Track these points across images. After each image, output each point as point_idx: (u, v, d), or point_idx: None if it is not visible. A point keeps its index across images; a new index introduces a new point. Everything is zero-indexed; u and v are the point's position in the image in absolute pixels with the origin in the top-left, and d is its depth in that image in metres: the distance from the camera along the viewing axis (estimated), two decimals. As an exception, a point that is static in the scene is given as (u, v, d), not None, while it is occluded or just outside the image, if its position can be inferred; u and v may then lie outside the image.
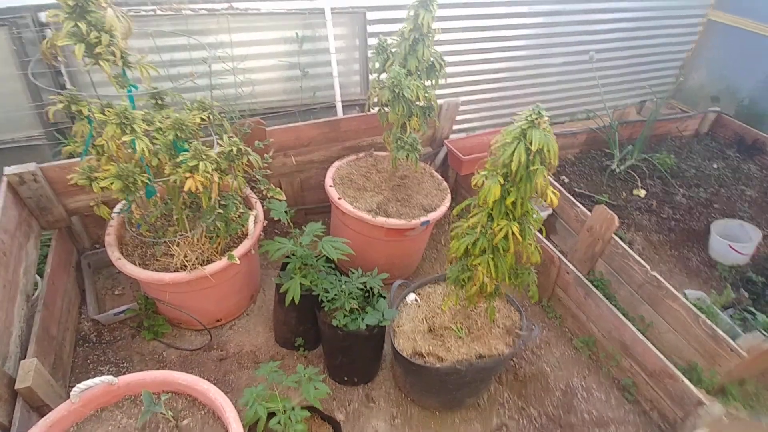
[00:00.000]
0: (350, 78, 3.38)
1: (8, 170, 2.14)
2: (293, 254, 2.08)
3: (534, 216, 1.73)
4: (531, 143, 1.49)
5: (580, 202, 2.94)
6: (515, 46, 3.87)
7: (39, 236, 2.36)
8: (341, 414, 2.22)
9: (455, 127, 3.60)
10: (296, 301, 2.00)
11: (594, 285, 2.57)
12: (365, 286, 2.11)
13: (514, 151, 1.52)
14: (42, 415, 1.69)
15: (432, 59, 2.35)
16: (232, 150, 1.96)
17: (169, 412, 1.62)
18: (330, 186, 2.62)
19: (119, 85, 1.77)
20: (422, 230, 2.59)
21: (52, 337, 2.10)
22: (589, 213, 2.77)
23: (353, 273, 2.15)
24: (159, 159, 1.86)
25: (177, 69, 2.68)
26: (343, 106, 3.29)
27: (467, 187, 3.32)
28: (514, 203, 1.63)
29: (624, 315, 2.41)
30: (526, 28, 3.82)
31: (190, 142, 1.80)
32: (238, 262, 2.13)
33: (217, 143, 2.03)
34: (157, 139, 1.83)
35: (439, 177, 2.85)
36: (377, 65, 2.38)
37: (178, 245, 2.25)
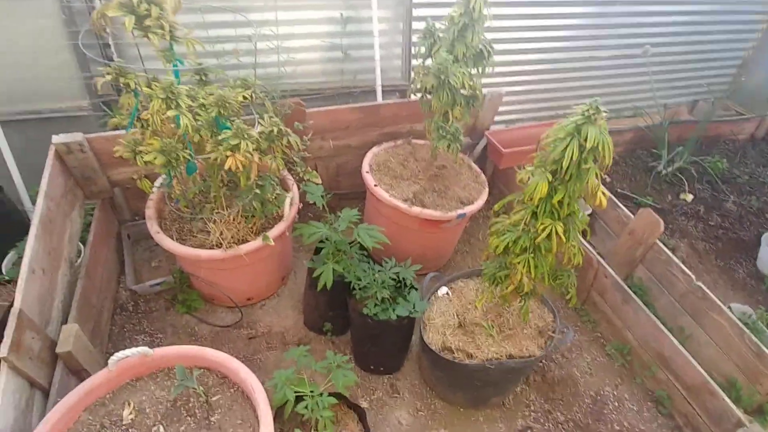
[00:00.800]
0: (391, 62, 3.32)
1: (56, 139, 2.19)
2: (327, 239, 2.07)
3: (579, 216, 1.65)
4: (585, 140, 1.42)
5: (622, 204, 2.82)
6: (564, 36, 3.71)
7: (83, 205, 2.42)
8: (365, 402, 2.22)
9: (496, 118, 3.50)
10: (328, 287, 1.99)
11: (633, 291, 2.47)
12: (398, 277, 2.08)
13: (566, 148, 1.45)
14: (81, 380, 1.75)
15: (481, 46, 2.26)
16: (272, 130, 1.95)
17: (200, 388, 1.65)
18: (366, 172, 2.59)
19: (166, 60, 1.77)
20: (457, 223, 2.53)
21: (91, 304, 2.17)
22: (632, 215, 2.65)
23: (387, 262, 2.12)
24: (201, 136, 1.86)
25: (222, 46, 2.67)
26: (382, 91, 3.23)
27: (505, 181, 3.24)
28: (560, 202, 1.56)
29: (662, 324, 2.31)
30: (576, 18, 3.65)
31: (233, 121, 1.79)
32: (272, 243, 2.14)
33: (258, 122, 2.02)
34: (200, 115, 1.82)
35: (477, 169, 2.78)
36: (423, 50, 2.31)
37: (214, 222, 2.26)
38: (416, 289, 2.11)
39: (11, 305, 1.61)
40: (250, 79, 2.04)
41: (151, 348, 2.04)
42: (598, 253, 2.64)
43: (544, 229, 1.56)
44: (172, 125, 1.69)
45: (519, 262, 1.63)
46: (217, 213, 2.28)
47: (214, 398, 1.67)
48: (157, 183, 2.34)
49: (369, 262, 2.21)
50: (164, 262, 2.72)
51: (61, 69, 2.61)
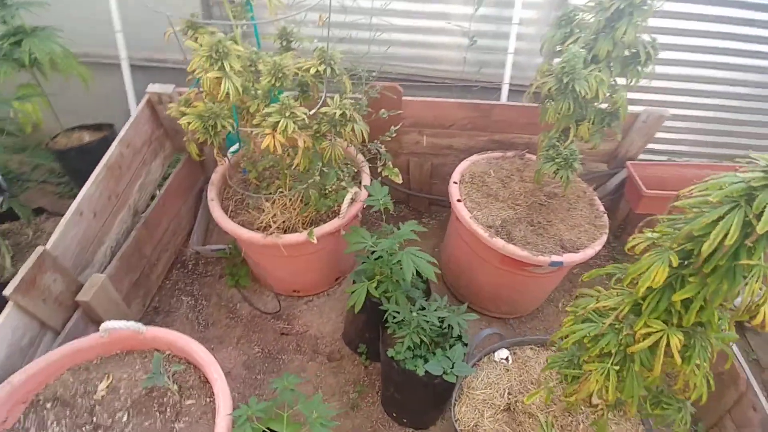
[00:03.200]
0: (531, 59, 2.74)
1: (151, 88, 2.20)
2: (372, 254, 1.71)
3: (719, 328, 1.02)
4: (759, 216, 0.81)
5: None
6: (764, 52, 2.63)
7: (170, 157, 2.45)
8: (375, 453, 1.86)
9: (651, 146, 2.70)
10: (356, 310, 1.65)
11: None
12: (443, 322, 1.64)
13: (718, 221, 0.86)
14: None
15: (638, 46, 1.63)
16: (336, 113, 1.64)
17: (175, 386, 1.46)
18: (455, 182, 2.15)
19: (233, 15, 1.56)
20: (551, 270, 1.95)
21: (143, 255, 2.16)
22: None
23: (435, 301, 1.69)
24: (257, 105, 1.64)
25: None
26: (510, 91, 2.69)
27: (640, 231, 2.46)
28: (688, 303, 0.96)
29: None
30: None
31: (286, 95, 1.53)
32: (314, 241, 1.86)
33: (327, 101, 1.73)
34: (259, 83, 1.60)
35: (601, 208, 2.12)
36: (553, 42, 1.76)
37: (273, 203, 2.07)
38: (465, 344, 1.65)
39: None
40: (330, 51, 1.75)
41: (197, 308, 1.94)
42: (754, 360, 1.81)
43: (646, 337, 0.98)
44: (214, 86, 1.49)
45: (593, 370, 1.07)
46: (279, 193, 2.09)
47: (187, 402, 1.47)
48: (232, 149, 2.22)
49: (421, 290, 1.80)
50: (232, 230, 2.65)
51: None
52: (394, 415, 1.91)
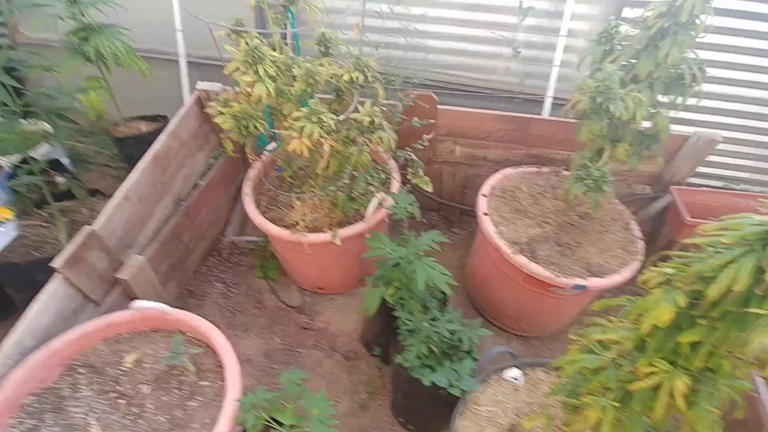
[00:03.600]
0: (578, 72, 2.66)
1: (200, 85, 2.34)
2: (390, 260, 1.74)
3: (734, 380, 0.96)
4: (772, 263, 0.77)
5: None
6: None
7: (213, 150, 2.59)
8: (379, 456, 1.88)
9: (705, 169, 2.55)
10: (369, 314, 1.69)
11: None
12: (453, 335, 1.63)
13: (728, 265, 0.82)
14: None
15: (683, 66, 1.55)
16: (365, 120, 1.68)
17: (192, 368, 1.56)
18: (484, 195, 2.13)
19: (274, 23, 1.64)
20: (575, 294, 1.89)
21: (181, 241, 2.31)
22: None
23: (448, 313, 1.69)
24: (290, 108, 1.71)
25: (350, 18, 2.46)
26: (554, 104, 2.63)
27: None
28: (696, 345, 0.92)
29: None
30: None
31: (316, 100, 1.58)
32: (338, 243, 1.91)
33: (357, 107, 1.77)
34: (293, 87, 1.67)
35: (638, 233, 2.02)
36: (592, 58, 1.71)
37: (303, 202, 2.15)
38: (474, 359, 1.64)
39: (88, 223, 1.76)
40: (365, 59, 1.79)
41: (227, 295, 2.06)
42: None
43: (648, 376, 0.95)
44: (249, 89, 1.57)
45: (590, 404, 1.04)
46: (311, 192, 2.17)
47: (202, 383, 1.56)
48: (270, 147, 2.32)
49: (438, 300, 1.81)
50: (267, 223, 2.77)
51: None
52: (401, 420, 1.92)
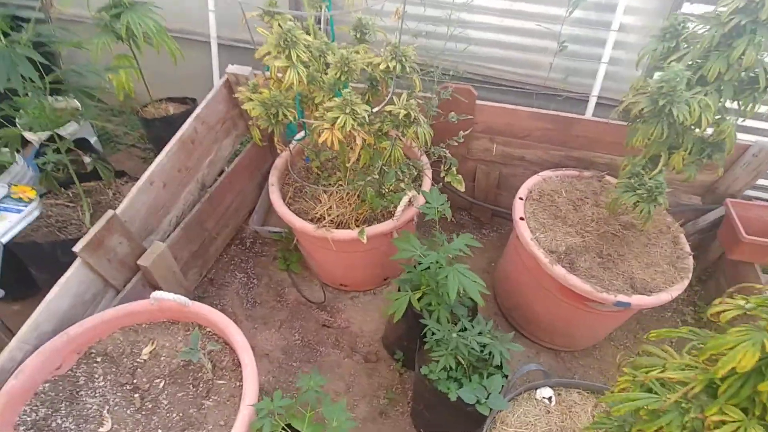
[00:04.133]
0: (628, 70, 2.47)
1: (230, 69, 2.26)
2: (419, 264, 1.64)
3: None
4: None
5: None
6: None
7: (241, 136, 2.52)
8: (397, 465, 1.81)
9: (762, 181, 2.36)
10: (394, 320, 1.60)
11: None
12: (484, 348, 1.53)
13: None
14: None
15: (757, 69, 1.39)
16: (400, 113, 1.58)
17: (210, 364, 1.50)
18: (520, 198, 2.01)
19: (309, 6, 1.54)
20: (617, 310, 1.76)
21: (204, 229, 2.26)
22: None
23: (478, 324, 1.59)
24: (322, 97, 1.62)
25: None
26: (598, 104, 2.47)
27: (733, 278, 2.16)
28: (778, 393, 0.79)
29: None
30: None
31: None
32: (364, 241, 1.82)
33: (393, 98, 1.67)
34: (326, 75, 1.57)
35: (687, 248, 1.87)
36: (653, 56, 1.55)
37: (330, 195, 2.07)
38: (505, 375, 1.53)
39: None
40: (403, 48, 1.68)
41: (248, 286, 2.01)
42: None
43: (718, 425, 0.83)
44: (280, 75, 1.49)
45: (645, 446, 0.93)
46: (339, 185, 2.08)
47: (219, 381, 1.51)
48: (298, 136, 2.24)
49: (467, 308, 1.70)
50: (291, 214, 2.70)
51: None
52: (421, 430, 1.84)
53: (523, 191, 2.04)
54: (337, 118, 1.40)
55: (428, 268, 1.57)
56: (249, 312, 2.29)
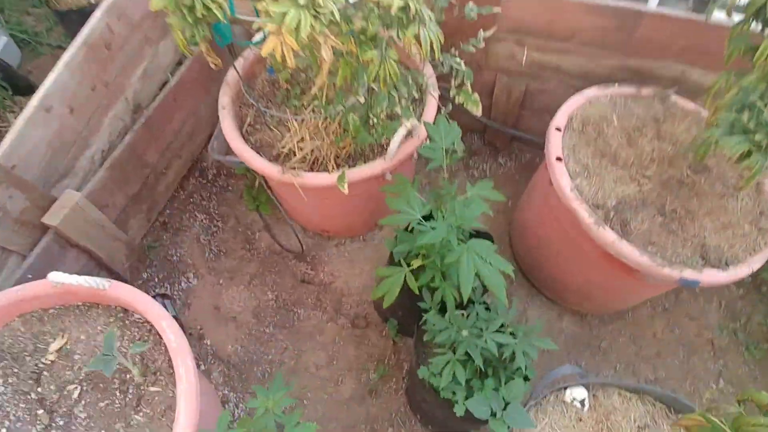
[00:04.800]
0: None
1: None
2: (420, 234, 1.18)
3: None
4: None
5: None
6: None
7: (188, 36, 1.91)
8: (386, 453, 1.53)
9: None
10: (384, 304, 1.19)
11: None
12: (503, 348, 1.14)
13: None
14: (90, 256, 1.51)
15: None
16: (393, 4, 1.00)
17: (136, 369, 1.12)
18: (557, 129, 1.49)
19: None
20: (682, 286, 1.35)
21: (146, 163, 1.76)
22: None
23: (495, 313, 1.18)
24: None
25: None
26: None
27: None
28: None
29: None
30: None
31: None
32: (344, 191, 1.35)
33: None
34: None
35: (776, 200, 1.41)
36: None
37: (302, 123, 1.55)
38: (526, 378, 1.17)
39: None
40: None
41: (211, 230, 1.64)
42: None
43: None
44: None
45: None
46: (314, 109, 1.55)
47: (152, 388, 1.14)
48: (256, 38, 1.64)
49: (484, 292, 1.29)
50: (261, 138, 2.18)
51: None
52: (419, 417, 1.54)
53: (561, 118, 1.51)
54: (287, 14, 0.84)
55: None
56: (212, 264, 1.89)
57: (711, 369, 1.65)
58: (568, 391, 1.23)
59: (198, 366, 1.66)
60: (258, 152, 1.52)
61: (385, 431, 1.57)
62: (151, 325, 1.21)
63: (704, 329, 1.72)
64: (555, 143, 1.45)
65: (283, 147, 1.54)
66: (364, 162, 1.49)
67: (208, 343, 1.72)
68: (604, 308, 1.74)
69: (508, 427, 1.09)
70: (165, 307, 1.62)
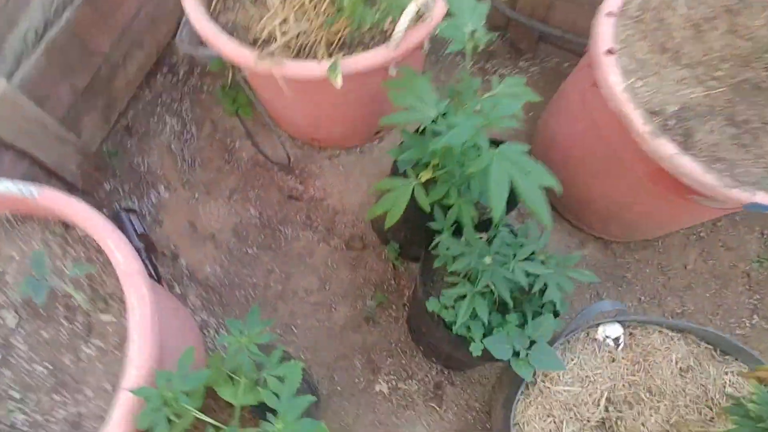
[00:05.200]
0: None
1: None
2: (434, 137, 0.92)
3: None
4: None
5: None
6: None
7: None
8: (383, 384, 1.40)
9: None
10: (387, 223, 0.97)
11: None
12: (532, 279, 0.94)
13: None
14: (32, 161, 1.28)
15: None
16: None
17: (80, 294, 0.91)
18: (607, 14, 1.18)
19: None
20: (744, 210, 1.13)
21: (93, 50, 1.44)
22: None
23: (523, 235, 0.96)
24: None
25: None
26: None
27: None
28: None
29: None
30: None
31: None
32: (337, 84, 1.07)
33: None
34: None
35: None
36: None
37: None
38: (556, 314, 0.98)
39: None
40: None
41: (184, 137, 1.51)
42: None
43: None
44: None
45: None
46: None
47: (103, 317, 0.94)
48: None
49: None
50: (240, 28, 1.83)
51: None
52: (422, 349, 1.39)
53: (612, 3, 1.19)
54: None
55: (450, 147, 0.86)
56: (186, 175, 1.64)
57: (745, 303, 1.49)
58: (600, 328, 1.06)
59: (172, 288, 1.48)
60: (231, 36, 1.21)
61: (384, 361, 1.43)
62: (96, 245, 0.98)
63: (740, 260, 1.54)
64: (605, 32, 1.15)
65: (262, 30, 1.23)
66: (363, 50, 1.19)
67: (183, 263, 1.52)
68: (633, 235, 1.54)
69: (533, 371, 0.92)
70: (131, 222, 1.40)
